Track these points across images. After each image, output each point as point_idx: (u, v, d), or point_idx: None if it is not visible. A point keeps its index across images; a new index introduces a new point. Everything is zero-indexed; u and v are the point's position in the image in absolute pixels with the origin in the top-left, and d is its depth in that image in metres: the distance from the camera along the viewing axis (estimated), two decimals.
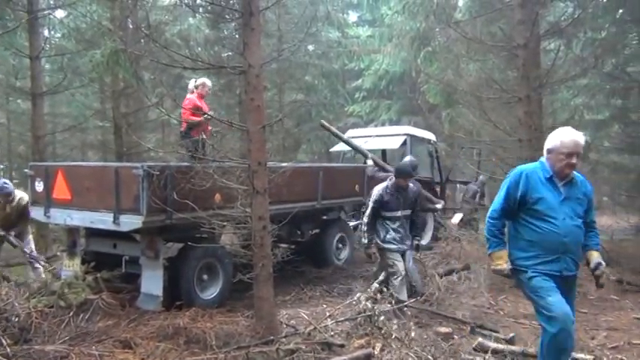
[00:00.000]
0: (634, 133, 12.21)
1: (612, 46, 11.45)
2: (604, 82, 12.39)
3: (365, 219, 6.33)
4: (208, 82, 7.88)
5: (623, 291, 7.61)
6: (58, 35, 14.69)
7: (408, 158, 8.51)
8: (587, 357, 4.59)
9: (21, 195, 7.28)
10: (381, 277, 6.52)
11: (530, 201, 3.71)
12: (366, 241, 6.28)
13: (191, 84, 7.74)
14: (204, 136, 6.82)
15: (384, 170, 9.30)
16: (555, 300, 3.62)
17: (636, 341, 5.47)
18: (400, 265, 6.14)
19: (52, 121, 15.21)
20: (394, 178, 6.23)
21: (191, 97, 7.56)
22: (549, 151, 3.79)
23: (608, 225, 13.09)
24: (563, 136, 3.74)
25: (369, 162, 9.65)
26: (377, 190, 6.28)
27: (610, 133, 13.43)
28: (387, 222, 6.24)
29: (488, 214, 3.83)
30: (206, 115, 6.98)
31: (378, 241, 6.26)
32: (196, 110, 7.16)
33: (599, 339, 5.51)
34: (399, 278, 6.08)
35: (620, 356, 4.97)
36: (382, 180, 7.62)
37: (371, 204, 6.25)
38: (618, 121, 13.09)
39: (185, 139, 7.29)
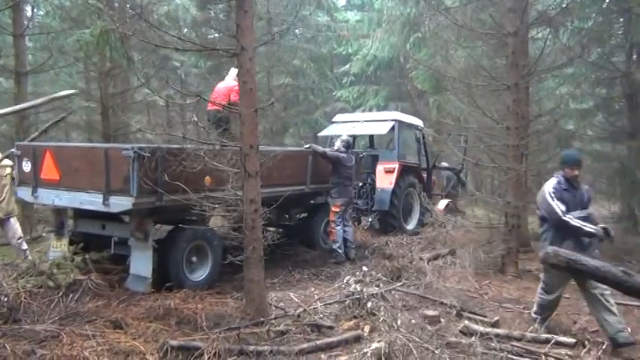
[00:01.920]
0: (617, 123, 12.38)
1: (598, 36, 11.56)
2: (589, 72, 12.50)
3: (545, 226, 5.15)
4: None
5: None
6: (41, 13, 14.39)
7: (339, 141, 8.56)
8: (570, 340, 4.69)
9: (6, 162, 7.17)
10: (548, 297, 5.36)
11: None
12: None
13: (232, 72, 7.91)
14: (195, 118, 6.81)
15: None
16: None
17: None
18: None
19: None
20: (561, 171, 5.16)
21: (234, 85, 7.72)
22: None
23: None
24: None
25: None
26: (550, 187, 5.08)
27: (594, 122, 13.59)
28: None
29: None
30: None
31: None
32: None
33: (581, 323, 5.65)
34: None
35: (600, 339, 5.10)
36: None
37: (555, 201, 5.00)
38: (602, 110, 13.23)
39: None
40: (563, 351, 4.54)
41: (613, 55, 12.19)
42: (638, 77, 10.10)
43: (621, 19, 11.81)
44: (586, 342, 4.93)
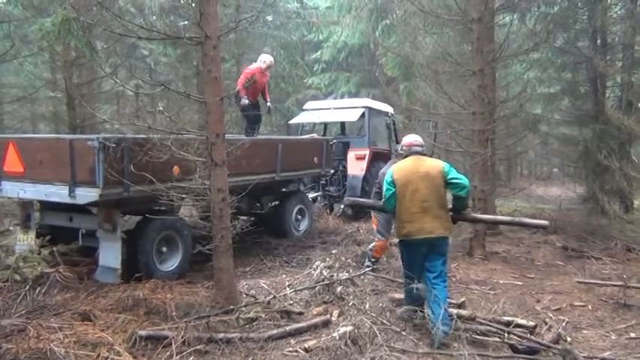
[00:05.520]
0: (583, 106, 12.63)
1: (564, 21, 11.75)
2: (555, 57, 12.73)
3: None
4: (268, 58, 8.75)
5: (567, 257, 8.01)
6: (3, 0, 13.96)
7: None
8: (530, 323, 4.82)
9: None
10: None
11: None
12: None
13: (261, 57, 8.74)
14: (161, 107, 6.76)
15: None
16: None
17: (577, 303, 5.81)
18: None
19: None
20: None
21: (253, 68, 8.54)
22: None
23: (557, 195, 13.65)
24: None
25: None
26: None
27: (560, 106, 13.84)
28: None
29: None
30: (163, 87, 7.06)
31: None
32: (250, 79, 8.24)
33: (544, 302, 5.82)
34: None
35: (562, 317, 5.28)
36: None
37: None
38: (568, 94, 13.49)
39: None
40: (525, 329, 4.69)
41: (578, 40, 12.43)
42: (601, 62, 10.30)
43: (586, 4, 12.00)
44: (547, 320, 5.11)
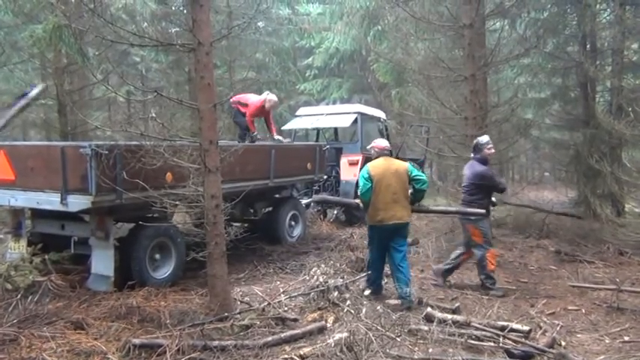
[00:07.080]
0: (573, 111, 12.75)
1: (553, 27, 11.86)
2: (545, 62, 12.84)
3: None
4: (270, 97, 8.81)
5: (560, 261, 8.03)
6: None
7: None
8: (524, 327, 4.82)
9: None
10: None
11: None
12: None
13: (267, 96, 8.79)
14: (153, 114, 6.73)
15: None
16: None
17: (571, 307, 5.83)
18: None
19: None
20: None
21: (256, 101, 8.68)
22: None
23: (549, 199, 13.71)
24: None
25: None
26: None
27: (551, 110, 13.95)
28: None
29: None
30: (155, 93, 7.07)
31: None
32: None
33: (538, 306, 5.83)
34: None
35: (556, 321, 5.29)
36: None
37: None
38: (558, 99, 13.62)
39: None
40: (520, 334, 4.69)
41: (568, 45, 12.55)
42: (590, 67, 10.38)
43: (575, 10, 12.11)
44: (542, 324, 5.12)
